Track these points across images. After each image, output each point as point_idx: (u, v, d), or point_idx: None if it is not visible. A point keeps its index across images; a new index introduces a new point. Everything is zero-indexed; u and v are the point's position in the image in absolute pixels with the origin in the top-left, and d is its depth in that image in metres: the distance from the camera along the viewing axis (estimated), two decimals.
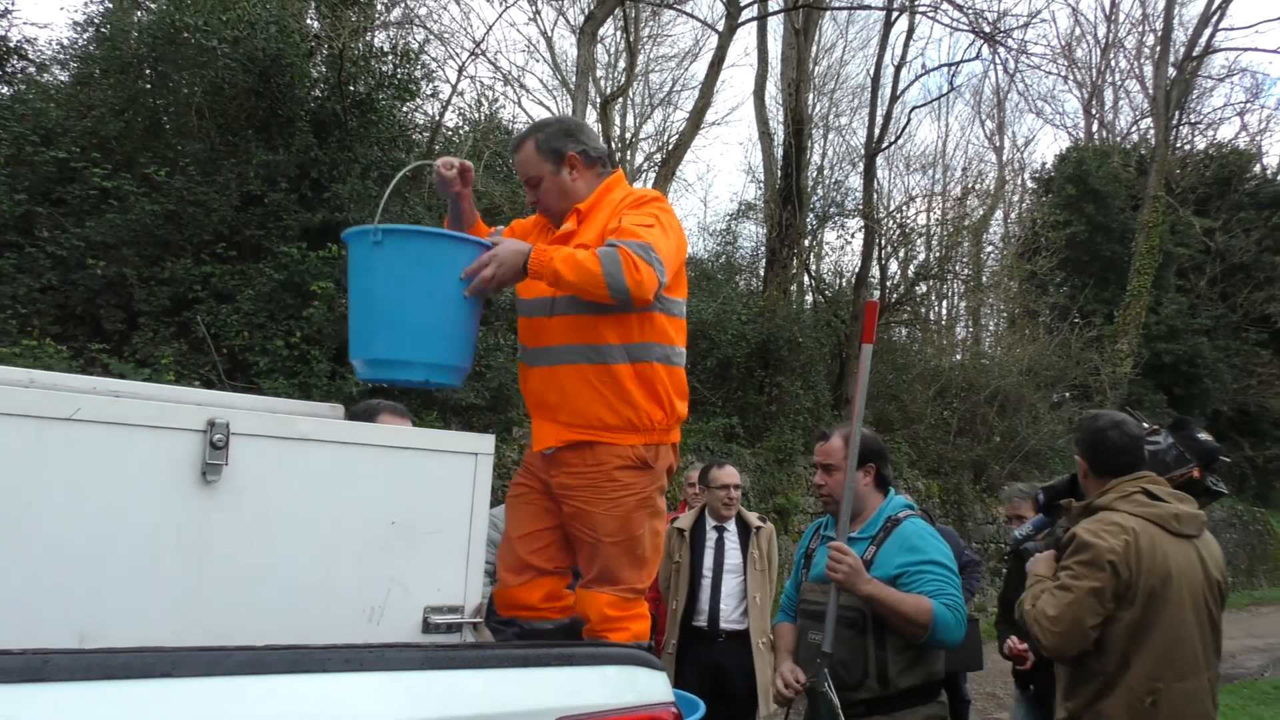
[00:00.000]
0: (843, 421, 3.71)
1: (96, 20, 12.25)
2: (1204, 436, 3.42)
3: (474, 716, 1.70)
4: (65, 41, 12.54)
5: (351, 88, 10.78)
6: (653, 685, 1.97)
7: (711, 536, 5.08)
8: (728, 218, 23.10)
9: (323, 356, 9.03)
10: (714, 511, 5.10)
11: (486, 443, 2.16)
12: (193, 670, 1.45)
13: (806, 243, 17.38)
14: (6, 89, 11.83)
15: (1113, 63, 27.90)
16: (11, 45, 12.03)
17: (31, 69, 12.26)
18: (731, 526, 5.10)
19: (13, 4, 14.85)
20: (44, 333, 8.58)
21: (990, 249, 22.69)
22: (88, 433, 1.65)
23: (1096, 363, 19.63)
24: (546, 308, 2.73)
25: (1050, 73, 27.30)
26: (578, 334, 2.67)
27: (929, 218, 20.08)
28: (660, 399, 2.69)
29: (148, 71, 10.90)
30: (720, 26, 13.20)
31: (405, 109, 12.16)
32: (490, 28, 24.08)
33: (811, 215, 17.42)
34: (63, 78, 12.47)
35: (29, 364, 7.23)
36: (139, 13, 11.24)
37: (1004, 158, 28.08)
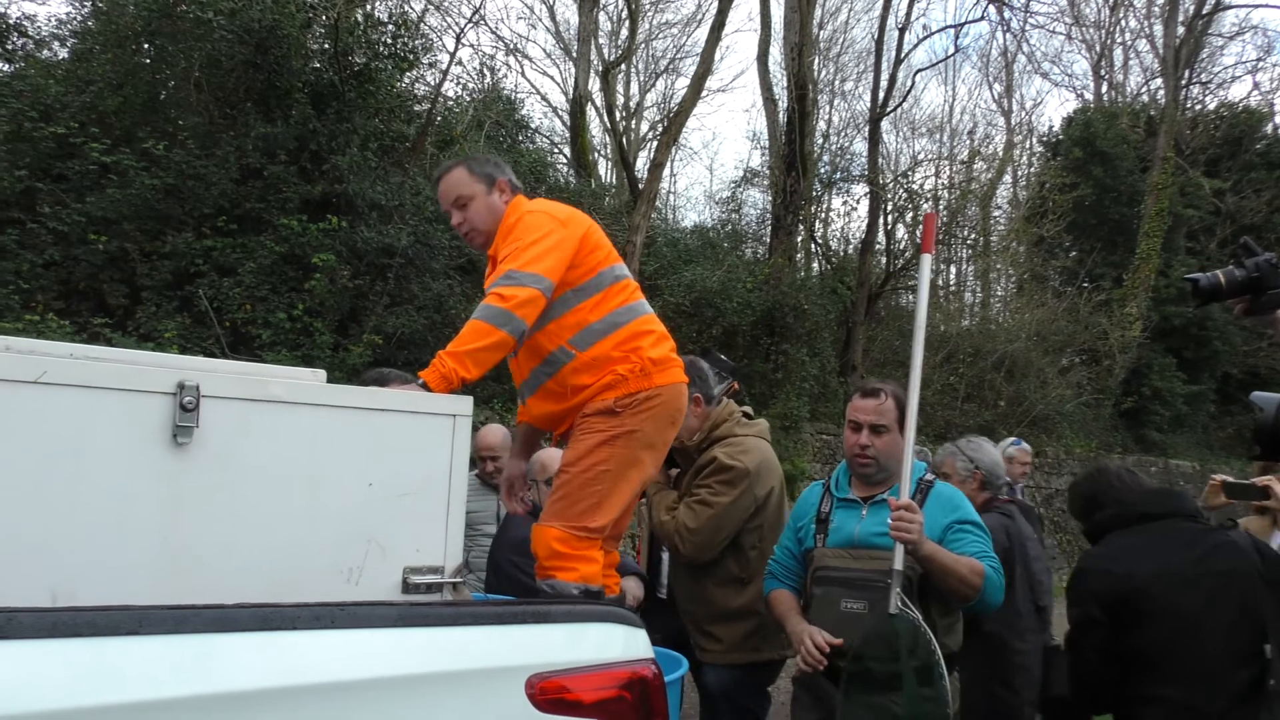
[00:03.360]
0: (887, 380, 3.54)
1: None
2: (724, 357, 4.17)
3: (446, 673, 1.71)
4: (64, 17, 12.50)
5: (351, 58, 10.72)
6: (631, 642, 1.98)
7: None
8: (732, 185, 22.95)
9: (325, 328, 9.05)
10: None
11: (464, 404, 2.16)
12: (160, 628, 1.46)
13: (812, 209, 17.29)
14: (6, 66, 11.80)
15: (1122, 22, 27.51)
16: (11, 22, 11.99)
17: (31, 45, 12.22)
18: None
19: None
20: (47, 308, 8.60)
21: (998, 212, 22.54)
22: (55, 395, 1.65)
23: (1105, 326, 19.52)
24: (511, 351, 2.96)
25: (1057, 32, 26.92)
26: (532, 358, 2.92)
27: (936, 182, 19.93)
28: (619, 357, 2.86)
29: (145, 45, 10.85)
30: None
31: (405, 79, 12.09)
32: None
33: (817, 182, 17.31)
34: (62, 53, 12.44)
35: (32, 338, 7.25)
36: None
37: (1012, 121, 27.82)
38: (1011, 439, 7.06)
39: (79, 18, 12.35)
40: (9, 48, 12.05)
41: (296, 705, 1.54)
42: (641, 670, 1.93)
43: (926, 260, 3.17)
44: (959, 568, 2.85)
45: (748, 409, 3.82)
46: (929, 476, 3.17)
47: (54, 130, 9.59)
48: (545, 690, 1.81)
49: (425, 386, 2.44)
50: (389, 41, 11.48)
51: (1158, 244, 20.88)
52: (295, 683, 1.55)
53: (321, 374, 2.46)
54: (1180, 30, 22.74)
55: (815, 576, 3.12)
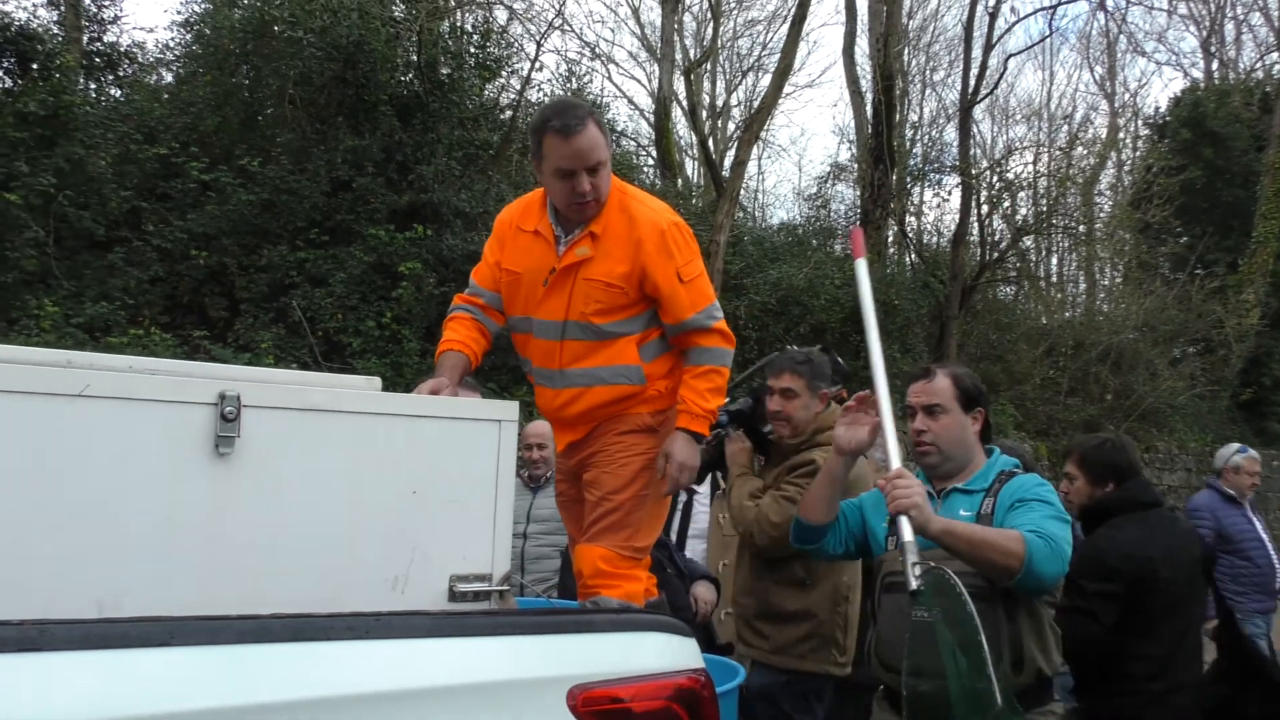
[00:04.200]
0: (943, 360, 3.28)
1: (194, 20, 12.72)
2: (840, 360, 3.98)
3: (483, 684, 1.68)
4: (169, 43, 13.07)
5: (443, 71, 10.92)
6: (679, 651, 1.92)
7: (682, 499, 4.73)
8: (818, 180, 22.61)
9: (413, 336, 9.23)
10: None
11: (510, 410, 2.13)
12: (192, 639, 1.46)
13: (903, 202, 16.93)
14: (117, 92, 12.41)
15: None
16: (122, 50, 12.61)
17: (138, 70, 12.82)
18: (704, 489, 4.74)
19: (122, 11, 15.53)
20: (153, 322, 8.99)
21: (1101, 199, 21.65)
22: (98, 408, 1.69)
23: (1220, 315, 18.58)
24: (557, 331, 2.82)
25: (1158, 8, 25.68)
26: (590, 359, 2.79)
27: (1034, 169, 19.26)
28: (663, 371, 2.86)
29: (244, 67, 11.27)
30: None
31: (489, 88, 12.27)
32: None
33: (907, 174, 16.93)
34: (167, 78, 13.02)
35: (137, 352, 7.59)
36: (236, 10, 11.62)
37: (1115, 104, 26.70)
38: (1237, 446, 6.32)
39: (183, 43, 12.92)
40: (120, 74, 12.67)
41: (329, 717, 1.53)
42: (691, 680, 1.87)
43: (861, 265, 3.05)
44: (989, 537, 2.47)
45: None
46: (1013, 470, 2.82)
47: (158, 151, 10.03)
48: (588, 701, 1.77)
49: (698, 436, 2.72)
50: (473, 51, 11.67)
51: (1276, 226, 19.74)
52: (328, 694, 1.54)
53: (376, 382, 2.47)
54: None
55: (884, 584, 2.81)
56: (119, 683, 1.39)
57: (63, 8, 11.83)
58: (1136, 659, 3.37)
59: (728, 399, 3.40)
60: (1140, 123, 25.81)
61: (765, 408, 3.54)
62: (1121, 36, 25.56)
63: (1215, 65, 26.71)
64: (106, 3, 12.24)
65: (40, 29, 10.63)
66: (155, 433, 1.74)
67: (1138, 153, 24.26)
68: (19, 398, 1.61)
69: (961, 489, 2.75)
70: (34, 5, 11.34)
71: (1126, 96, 27.70)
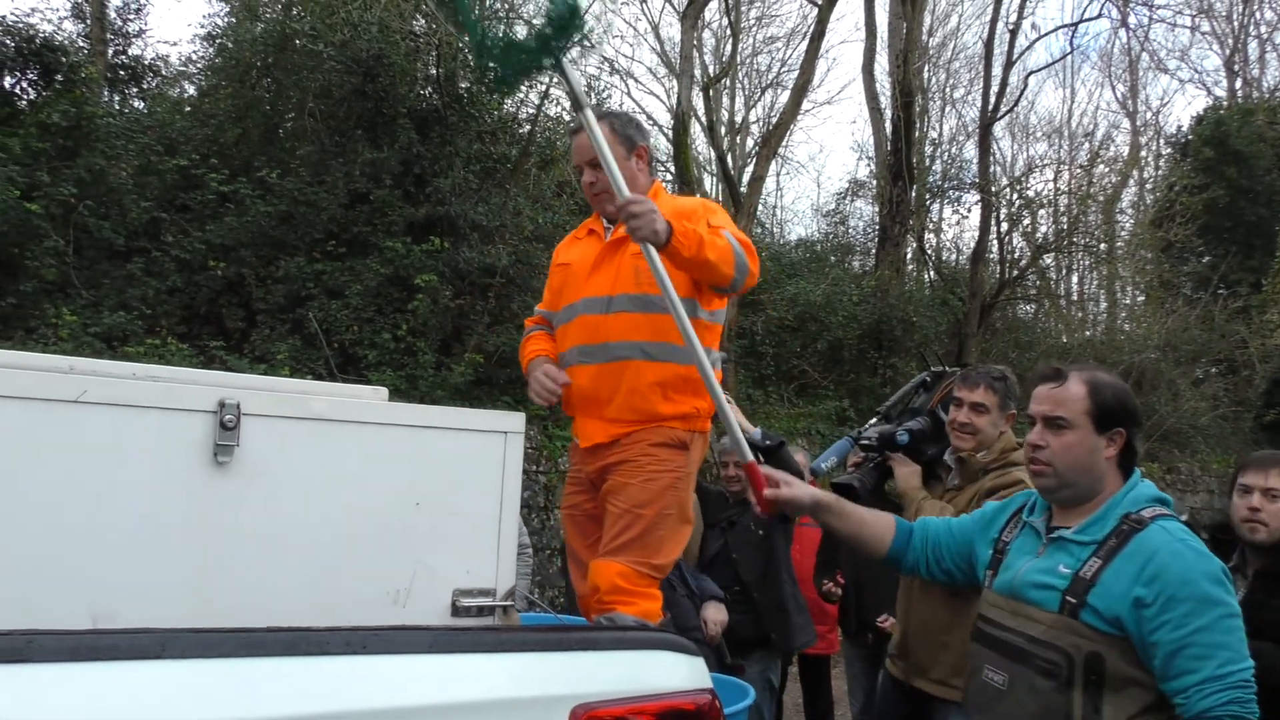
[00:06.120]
0: (1085, 363, 2.98)
1: (216, 34, 12.84)
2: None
3: (483, 702, 1.63)
4: (192, 56, 13.20)
5: (461, 85, 10.94)
6: (686, 670, 1.87)
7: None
8: (836, 197, 22.57)
9: (428, 348, 9.22)
10: None
11: (516, 421, 2.10)
12: (184, 652, 1.42)
13: (923, 219, 16.85)
14: (141, 104, 12.53)
15: (1257, 14, 25.98)
16: (146, 63, 12.74)
17: (161, 83, 12.95)
18: None
19: (146, 25, 15.72)
20: (171, 332, 9.02)
21: (1121, 218, 21.50)
22: (95, 415, 1.66)
23: (1244, 335, 18.38)
24: (604, 305, 2.83)
25: (1182, 26, 25.53)
26: (637, 332, 2.78)
27: (1055, 188, 19.15)
28: (702, 392, 2.79)
29: (265, 80, 11.35)
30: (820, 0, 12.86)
31: (507, 102, 12.28)
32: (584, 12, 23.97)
33: (928, 192, 16.86)
34: (190, 90, 13.14)
35: (153, 362, 7.60)
36: (258, 24, 11.71)
37: (1137, 122, 26.54)
38: None
39: (206, 56, 13.04)
40: (144, 87, 12.80)
41: None
42: (693, 701, 1.82)
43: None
44: None
45: None
46: (1146, 512, 2.16)
47: (178, 163, 10.09)
48: None
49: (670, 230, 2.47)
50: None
51: None
52: (324, 710, 1.50)
53: (383, 392, 2.44)
54: None
55: (975, 626, 2.40)
56: (108, 696, 1.36)
57: (88, 21, 11.98)
58: None
59: (881, 421, 3.44)
60: (1162, 141, 25.67)
61: (933, 428, 3.45)
62: (1144, 54, 25.45)
63: (1239, 84, 26.52)
64: (131, 16, 12.40)
65: (65, 41, 10.74)
66: (153, 440, 1.71)
67: (1160, 171, 24.13)
68: (16, 403, 1.59)
69: (1071, 538, 2.22)
70: (59, 19, 11.49)
71: (1148, 114, 27.56)
